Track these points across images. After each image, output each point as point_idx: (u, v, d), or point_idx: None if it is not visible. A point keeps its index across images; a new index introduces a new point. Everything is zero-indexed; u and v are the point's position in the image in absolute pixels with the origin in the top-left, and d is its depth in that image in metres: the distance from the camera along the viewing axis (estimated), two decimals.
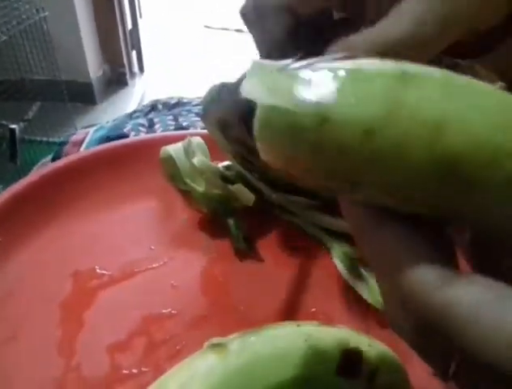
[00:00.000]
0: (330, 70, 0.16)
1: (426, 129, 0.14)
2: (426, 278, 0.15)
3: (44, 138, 2.01)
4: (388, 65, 0.16)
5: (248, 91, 0.18)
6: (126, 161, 0.50)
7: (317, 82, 0.16)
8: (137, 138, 0.54)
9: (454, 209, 0.15)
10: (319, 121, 0.15)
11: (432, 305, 0.14)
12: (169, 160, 0.45)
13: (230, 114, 0.40)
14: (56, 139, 1.99)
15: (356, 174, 0.16)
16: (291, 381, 0.25)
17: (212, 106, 0.41)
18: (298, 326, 0.28)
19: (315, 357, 0.26)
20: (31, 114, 2.04)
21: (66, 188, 0.46)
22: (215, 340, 0.26)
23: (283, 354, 0.26)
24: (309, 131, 0.15)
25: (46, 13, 1.81)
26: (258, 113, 0.17)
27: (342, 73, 0.16)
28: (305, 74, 0.16)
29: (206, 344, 0.26)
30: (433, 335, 0.15)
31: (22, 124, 1.88)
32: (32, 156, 1.80)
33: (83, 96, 2.40)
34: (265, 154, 0.18)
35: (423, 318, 0.15)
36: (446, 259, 0.15)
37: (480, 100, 0.15)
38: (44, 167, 0.58)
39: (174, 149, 0.45)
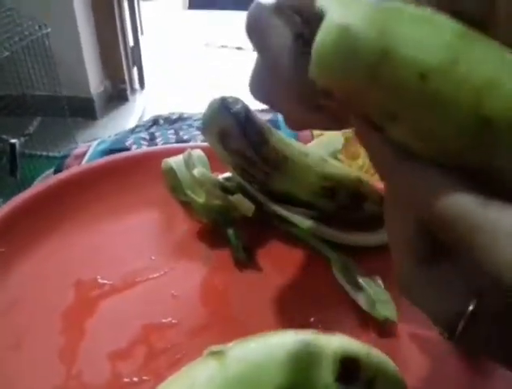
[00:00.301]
0: (404, 8, 0.17)
1: (474, 88, 0.16)
2: (466, 201, 0.16)
3: (45, 153, 2.02)
4: (456, 23, 0.17)
5: (322, 4, 0.18)
6: (128, 173, 0.51)
7: (389, 15, 0.17)
8: (138, 150, 0.55)
9: (481, 162, 0.17)
10: (382, 53, 0.16)
11: (470, 226, 0.15)
12: (170, 172, 0.46)
13: (230, 126, 0.41)
14: (56, 154, 2.00)
15: (401, 109, 0.17)
16: (290, 388, 0.26)
17: (213, 119, 0.41)
18: (297, 334, 0.28)
19: (313, 364, 0.26)
20: (31, 129, 2.06)
21: (67, 199, 0.47)
22: (214, 348, 0.26)
23: (281, 361, 0.26)
24: (370, 59, 0.16)
25: (48, 29, 1.83)
26: (325, 27, 0.17)
27: (413, 13, 0.17)
28: (381, 4, 0.17)
29: (205, 351, 0.26)
30: (461, 264, 0.16)
31: (22, 139, 1.89)
32: (32, 171, 1.81)
33: (84, 112, 2.42)
34: (317, 68, 0.18)
35: (460, 240, 0.16)
36: (479, 188, 0.16)
37: None
38: (47, 179, 0.59)
39: (175, 161, 0.45)
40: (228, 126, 0.41)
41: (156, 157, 0.49)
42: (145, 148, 0.57)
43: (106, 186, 0.49)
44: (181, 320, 0.37)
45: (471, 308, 0.17)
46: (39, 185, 0.48)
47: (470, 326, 0.17)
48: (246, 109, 0.41)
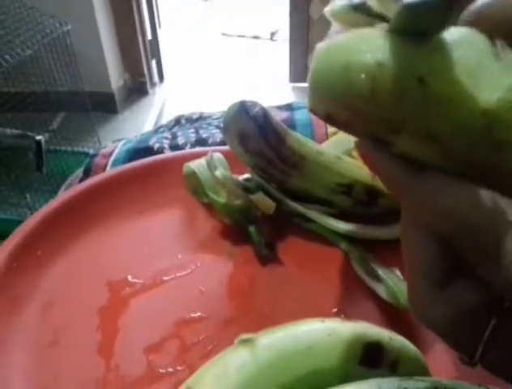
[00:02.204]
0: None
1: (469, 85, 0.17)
2: (491, 208, 0.16)
3: (69, 148, 2.05)
4: None
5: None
6: (152, 178, 0.53)
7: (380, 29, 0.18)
8: (162, 156, 0.57)
9: (485, 167, 0.17)
10: (378, 65, 0.17)
11: (499, 232, 0.16)
12: (192, 175, 0.48)
13: (249, 128, 0.43)
14: (80, 149, 2.04)
15: (406, 116, 0.17)
16: (317, 372, 0.28)
17: (233, 122, 0.43)
18: (322, 321, 0.30)
19: (339, 349, 0.28)
20: (55, 125, 2.10)
21: (96, 204, 0.50)
22: (245, 336, 0.28)
23: (309, 347, 0.28)
24: (368, 73, 0.17)
25: (69, 26, 1.86)
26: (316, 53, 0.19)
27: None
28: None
29: (236, 340, 0.28)
30: (480, 275, 0.16)
31: (47, 134, 1.92)
32: (58, 166, 1.84)
33: (105, 106, 2.45)
34: (321, 95, 0.19)
35: (487, 247, 0.16)
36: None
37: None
38: (76, 182, 0.61)
39: (196, 165, 0.48)
40: (247, 128, 0.43)
41: (178, 161, 0.51)
42: (168, 154, 0.59)
43: (132, 191, 0.51)
44: (209, 314, 0.39)
45: (491, 324, 0.17)
46: (69, 191, 0.51)
47: (490, 348, 0.17)
48: (264, 112, 0.43)
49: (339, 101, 0.18)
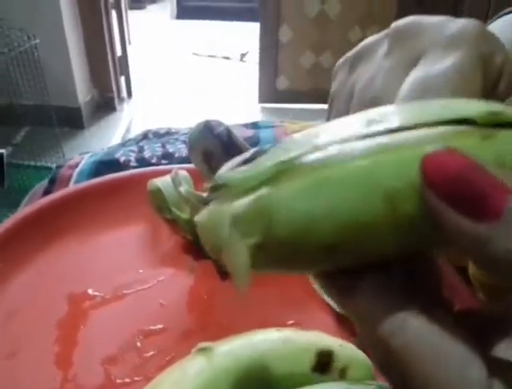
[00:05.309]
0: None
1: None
2: (388, 327, 0.16)
3: (32, 163, 2.02)
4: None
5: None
6: (116, 194, 0.53)
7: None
8: (127, 172, 0.58)
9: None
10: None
11: (391, 348, 0.15)
12: (156, 192, 0.49)
13: (213, 147, 0.44)
14: (43, 164, 2.01)
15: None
16: (271, 378, 0.29)
17: (197, 141, 0.45)
18: (278, 331, 0.32)
19: (292, 357, 0.30)
20: (19, 138, 2.07)
21: (61, 218, 0.50)
22: (202, 345, 0.29)
23: (264, 355, 0.30)
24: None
25: (37, 40, 1.85)
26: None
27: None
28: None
29: (194, 348, 0.29)
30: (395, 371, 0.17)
31: (10, 148, 1.90)
32: (19, 180, 1.82)
33: (72, 121, 2.43)
34: None
35: (389, 356, 0.16)
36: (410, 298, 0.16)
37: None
38: (40, 191, 0.61)
39: (161, 181, 0.48)
40: (211, 146, 0.44)
41: (143, 178, 0.52)
42: (132, 170, 0.59)
43: (96, 206, 0.52)
44: (169, 326, 0.40)
45: None
46: (33, 205, 0.51)
47: None
48: (228, 131, 0.45)
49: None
